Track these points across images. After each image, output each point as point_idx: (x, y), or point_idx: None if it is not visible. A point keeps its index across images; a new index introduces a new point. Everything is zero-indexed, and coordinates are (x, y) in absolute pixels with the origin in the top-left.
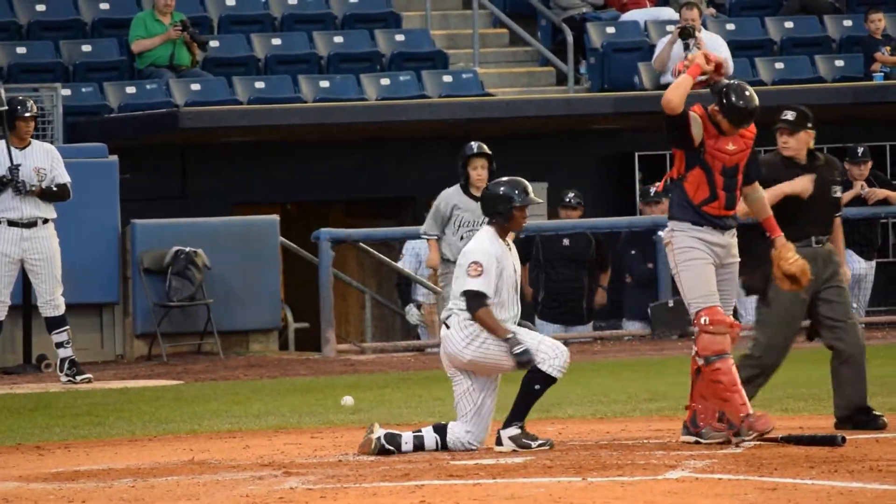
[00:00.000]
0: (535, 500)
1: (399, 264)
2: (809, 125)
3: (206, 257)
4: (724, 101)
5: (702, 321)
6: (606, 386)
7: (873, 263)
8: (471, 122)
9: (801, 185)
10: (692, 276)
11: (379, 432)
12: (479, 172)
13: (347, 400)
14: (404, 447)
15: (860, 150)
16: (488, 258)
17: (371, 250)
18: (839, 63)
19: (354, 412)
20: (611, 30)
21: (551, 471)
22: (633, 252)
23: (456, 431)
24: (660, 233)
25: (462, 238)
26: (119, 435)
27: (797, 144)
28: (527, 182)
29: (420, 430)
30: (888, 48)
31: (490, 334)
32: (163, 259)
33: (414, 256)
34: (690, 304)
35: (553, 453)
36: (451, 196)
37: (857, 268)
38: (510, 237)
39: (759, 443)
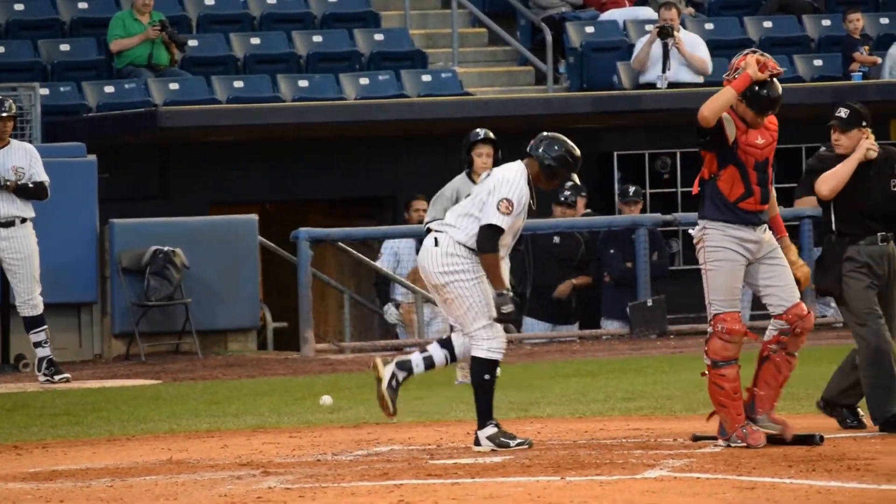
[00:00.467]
0: (513, 500)
1: (378, 263)
2: (864, 123)
3: (185, 257)
4: (748, 91)
5: (718, 327)
6: (585, 385)
7: None
8: (450, 122)
9: (860, 153)
10: (718, 276)
11: (387, 368)
12: (483, 160)
13: (326, 399)
14: (416, 369)
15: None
16: (519, 198)
17: (350, 250)
18: (818, 63)
19: (333, 412)
20: (590, 29)
21: (530, 470)
22: (611, 251)
23: (460, 339)
24: (690, 231)
25: None
26: (97, 434)
27: (849, 142)
28: (578, 162)
29: (427, 350)
30: (866, 48)
31: (485, 276)
32: (141, 258)
33: (392, 256)
34: (711, 303)
35: (531, 452)
36: (456, 183)
37: None
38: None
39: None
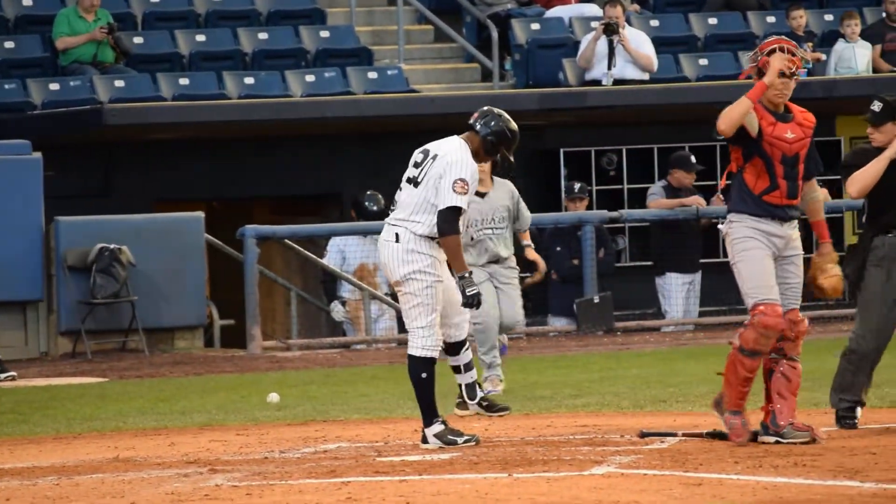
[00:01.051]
0: (461, 497)
1: (324, 261)
2: None
3: (131, 254)
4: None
5: (755, 319)
6: (532, 382)
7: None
8: (396, 119)
9: (891, 150)
10: (748, 265)
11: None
12: (481, 165)
13: (273, 397)
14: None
15: None
16: (472, 175)
17: (296, 247)
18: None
19: (280, 409)
20: (535, 26)
21: (477, 467)
22: (558, 248)
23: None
24: (719, 226)
25: (472, 239)
26: (43, 432)
27: (883, 137)
28: (516, 137)
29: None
30: (810, 44)
31: (443, 278)
32: (87, 256)
33: (338, 253)
34: (747, 294)
35: (479, 449)
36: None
37: None
38: None
39: (685, 439)
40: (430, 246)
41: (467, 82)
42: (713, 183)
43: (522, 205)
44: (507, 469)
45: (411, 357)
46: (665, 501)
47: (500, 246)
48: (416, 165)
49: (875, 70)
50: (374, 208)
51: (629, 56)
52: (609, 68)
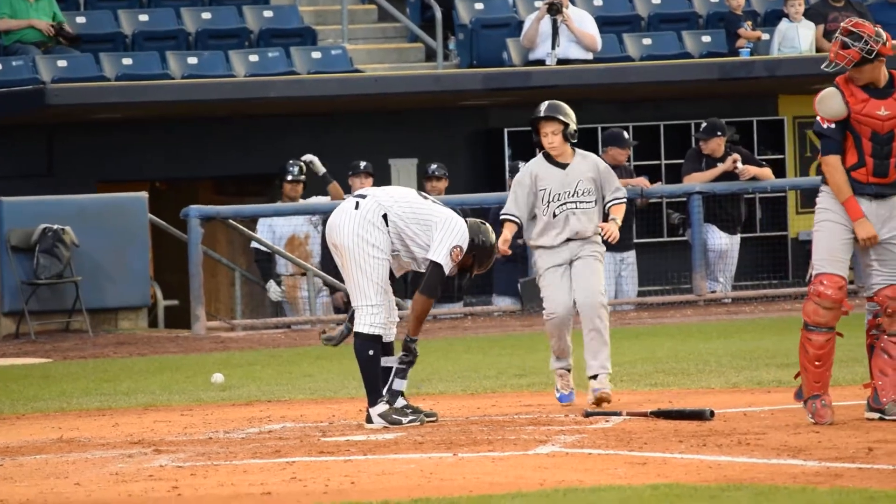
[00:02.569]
0: (405, 476)
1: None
2: None
3: (74, 235)
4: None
5: (812, 288)
6: (476, 362)
7: (738, 238)
8: (340, 99)
9: None
10: (821, 238)
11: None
12: (549, 139)
13: (217, 377)
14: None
15: (703, 125)
16: (463, 247)
17: (240, 227)
18: (706, 39)
19: (224, 389)
20: (479, 6)
21: (422, 447)
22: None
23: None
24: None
25: (554, 216)
26: None
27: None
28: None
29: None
30: (749, 23)
31: (391, 257)
32: (30, 237)
33: (268, 229)
34: (813, 264)
35: (424, 429)
36: (532, 167)
37: (721, 242)
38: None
39: (628, 418)
40: (390, 232)
41: (411, 62)
42: (657, 163)
43: (612, 176)
44: (452, 449)
45: (358, 334)
46: (610, 481)
47: (584, 222)
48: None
49: (818, 49)
50: (295, 171)
51: (573, 36)
52: (553, 48)
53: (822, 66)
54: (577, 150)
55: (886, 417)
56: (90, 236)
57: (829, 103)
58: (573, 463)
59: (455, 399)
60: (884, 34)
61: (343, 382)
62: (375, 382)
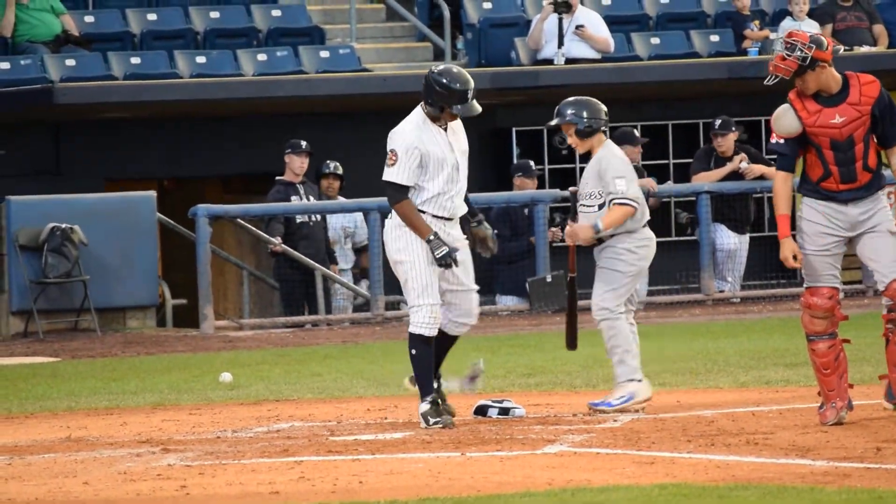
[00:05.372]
0: (413, 476)
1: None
2: None
3: (83, 234)
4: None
5: (802, 302)
6: (484, 361)
7: (746, 238)
8: (348, 98)
9: None
10: (807, 254)
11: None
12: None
13: (226, 376)
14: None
15: (718, 122)
16: (405, 147)
17: (248, 226)
18: (714, 38)
19: (232, 388)
20: (487, 5)
21: (430, 446)
22: (495, 231)
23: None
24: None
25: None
26: None
27: None
28: (473, 86)
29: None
30: (756, 22)
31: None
32: (38, 236)
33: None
34: (803, 277)
35: (432, 429)
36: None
37: (729, 242)
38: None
39: (638, 417)
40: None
41: (419, 61)
42: (665, 162)
43: (608, 174)
44: (460, 448)
45: (409, 334)
46: (618, 480)
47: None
48: None
49: None
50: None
51: (586, 41)
52: (559, 47)
53: (765, 82)
54: (603, 144)
55: (837, 408)
56: (98, 235)
57: (783, 121)
58: (581, 462)
59: (463, 398)
60: (824, 40)
61: (351, 382)
62: (421, 379)
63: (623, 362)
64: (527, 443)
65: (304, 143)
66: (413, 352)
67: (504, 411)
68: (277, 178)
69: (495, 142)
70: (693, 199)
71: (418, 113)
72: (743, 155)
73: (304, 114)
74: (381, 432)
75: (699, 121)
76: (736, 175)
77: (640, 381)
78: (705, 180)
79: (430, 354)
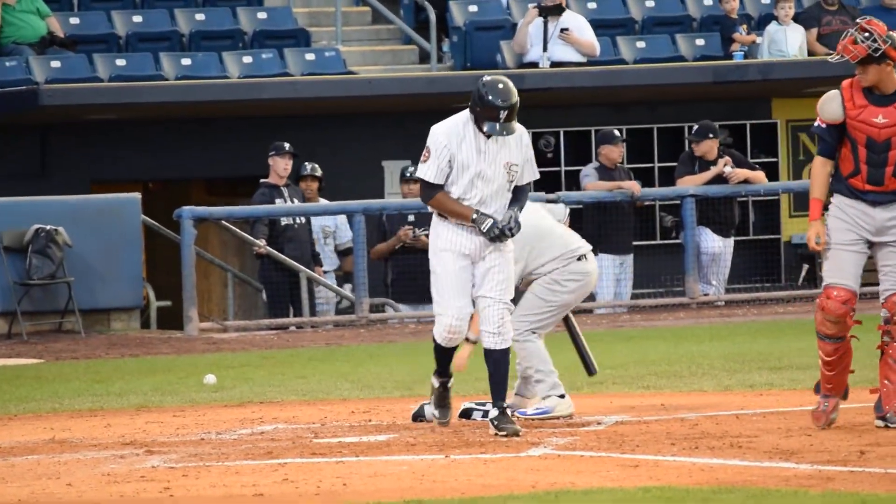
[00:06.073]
0: (397, 478)
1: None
2: None
3: (67, 235)
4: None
5: (819, 299)
6: (469, 362)
7: (731, 241)
8: (333, 101)
9: None
10: (829, 246)
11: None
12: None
13: (210, 378)
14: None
15: (695, 127)
16: (435, 146)
17: (233, 228)
18: (700, 42)
19: (217, 391)
20: (473, 8)
21: (414, 448)
22: None
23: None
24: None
25: None
26: None
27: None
28: (509, 107)
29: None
30: (745, 26)
31: (454, 220)
32: (23, 237)
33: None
34: (823, 276)
35: (416, 431)
36: None
37: (714, 245)
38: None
39: (621, 421)
40: (447, 225)
41: (405, 64)
42: (650, 166)
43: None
44: (444, 450)
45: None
46: (601, 483)
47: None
48: None
49: (811, 53)
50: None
51: (572, 45)
52: (544, 50)
53: (829, 59)
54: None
55: (890, 425)
56: (83, 237)
57: (827, 105)
58: (565, 465)
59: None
60: (895, 38)
61: (335, 384)
62: (439, 362)
63: (542, 381)
64: (511, 445)
65: (287, 146)
66: (435, 355)
67: (488, 414)
68: (262, 180)
69: None
70: (678, 202)
71: (465, 112)
72: (727, 158)
73: (289, 116)
74: (365, 434)
75: (684, 124)
76: (721, 179)
77: (562, 396)
78: (690, 184)
79: (446, 351)
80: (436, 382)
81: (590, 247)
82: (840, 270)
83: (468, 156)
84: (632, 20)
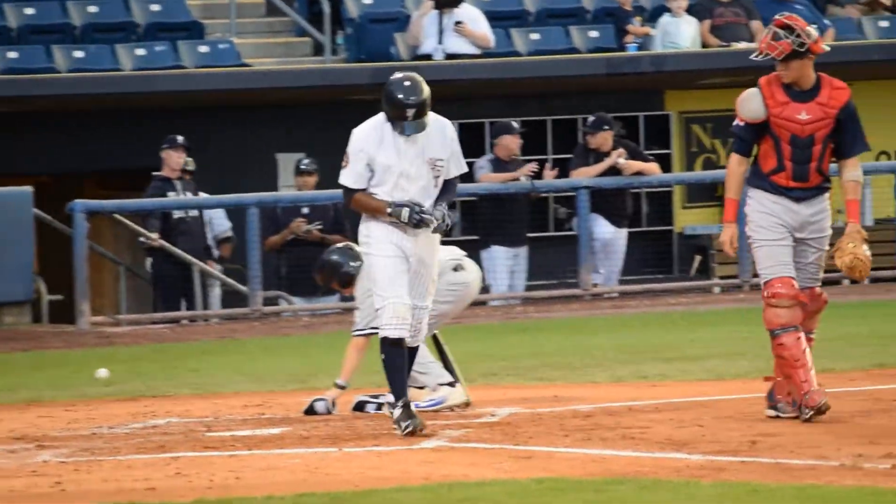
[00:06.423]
0: (290, 471)
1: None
2: None
3: None
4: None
5: (765, 293)
6: (368, 358)
7: (624, 231)
8: (227, 93)
9: None
10: (760, 249)
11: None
12: None
13: (102, 372)
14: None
15: (590, 119)
16: (354, 150)
17: (126, 221)
18: (593, 34)
19: (109, 385)
20: (367, 0)
21: (307, 441)
22: None
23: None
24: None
25: None
26: None
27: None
28: (417, 104)
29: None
30: (639, 18)
31: (374, 217)
32: None
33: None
34: (760, 273)
35: (309, 424)
36: None
37: (606, 232)
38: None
39: (514, 412)
40: (378, 223)
41: (299, 56)
42: (544, 157)
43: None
44: (337, 444)
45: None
46: (495, 474)
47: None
48: None
49: (704, 45)
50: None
51: (467, 38)
52: (439, 42)
53: (751, 56)
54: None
55: (781, 415)
56: None
57: (748, 104)
58: (458, 457)
59: (345, 395)
60: (814, 33)
61: (229, 377)
62: (393, 383)
63: (426, 373)
64: (404, 438)
65: (180, 139)
66: (382, 357)
67: (381, 406)
68: (154, 173)
69: None
70: (572, 194)
71: (382, 113)
72: (621, 150)
73: (183, 109)
74: (258, 428)
75: (578, 116)
76: (615, 170)
77: (451, 384)
78: (584, 175)
79: (399, 356)
80: (396, 411)
81: (465, 255)
82: (778, 263)
83: (388, 156)
84: (526, 12)
